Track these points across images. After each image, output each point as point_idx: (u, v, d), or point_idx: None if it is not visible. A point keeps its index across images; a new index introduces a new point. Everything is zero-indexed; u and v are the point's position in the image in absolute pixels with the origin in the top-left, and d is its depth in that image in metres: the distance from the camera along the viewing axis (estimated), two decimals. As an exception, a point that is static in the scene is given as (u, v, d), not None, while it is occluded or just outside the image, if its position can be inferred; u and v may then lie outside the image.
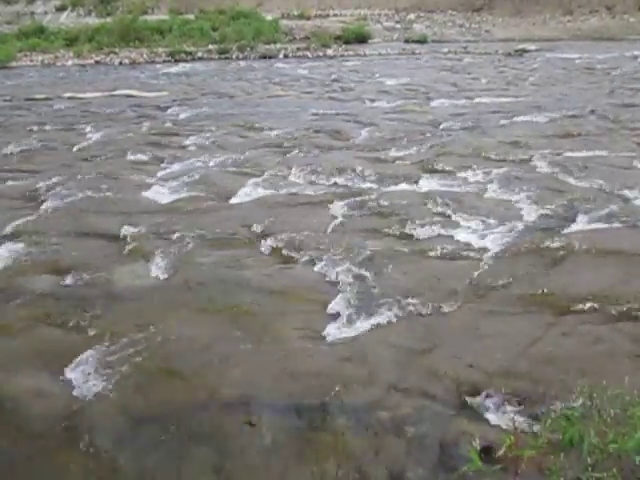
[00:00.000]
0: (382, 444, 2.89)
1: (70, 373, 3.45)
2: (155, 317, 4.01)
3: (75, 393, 3.29)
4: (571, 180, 6.75)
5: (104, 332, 3.85)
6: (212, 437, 2.98)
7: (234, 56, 22.19)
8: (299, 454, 2.88)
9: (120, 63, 20.88)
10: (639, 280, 4.37)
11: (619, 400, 2.29)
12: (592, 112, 10.60)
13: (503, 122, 10.01)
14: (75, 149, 8.94)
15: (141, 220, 5.76)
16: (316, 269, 4.68)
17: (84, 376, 3.41)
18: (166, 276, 4.66)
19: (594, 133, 9.07)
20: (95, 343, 3.71)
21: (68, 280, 4.60)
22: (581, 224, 5.46)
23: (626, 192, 6.22)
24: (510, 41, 24.79)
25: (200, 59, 21.78)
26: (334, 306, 4.07)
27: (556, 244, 4.98)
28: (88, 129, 10.20)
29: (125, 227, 5.57)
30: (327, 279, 4.50)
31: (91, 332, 3.88)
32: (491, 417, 3.02)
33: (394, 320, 3.91)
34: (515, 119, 10.20)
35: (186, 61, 21.29)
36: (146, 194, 6.66)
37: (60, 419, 3.12)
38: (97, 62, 21.07)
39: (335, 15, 36.14)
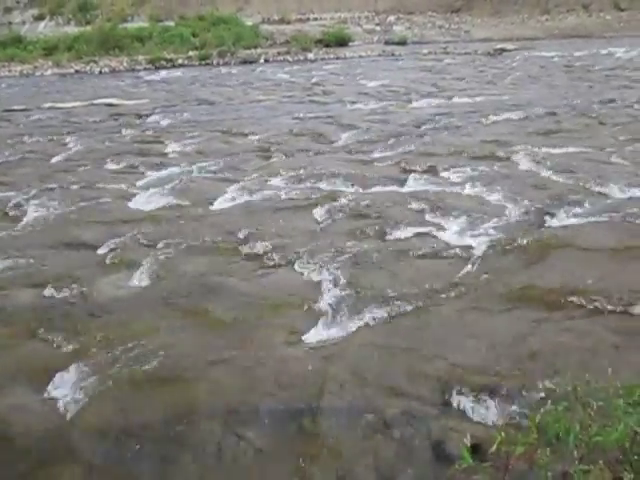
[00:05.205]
0: (371, 446, 2.88)
1: (54, 388, 3.39)
2: (139, 327, 3.96)
3: (60, 408, 3.24)
4: (552, 176, 6.81)
5: (87, 344, 3.79)
6: (200, 446, 2.95)
7: (215, 62, 22.19)
8: (288, 459, 2.86)
9: (100, 72, 20.77)
10: (620, 274, 4.41)
11: (603, 393, 2.30)
12: (571, 109, 10.73)
13: (483, 121, 10.10)
14: (55, 160, 8.86)
15: (123, 229, 5.71)
16: (300, 273, 4.66)
17: (68, 390, 3.36)
18: (149, 285, 4.61)
19: (573, 129, 9.18)
20: (79, 356, 3.65)
21: (49, 293, 4.53)
22: (563, 220, 5.51)
23: (606, 187, 6.29)
24: (489, 41, 25.07)
25: (181, 66, 21.75)
26: (319, 309, 4.06)
27: (539, 240, 5.01)
28: (68, 139, 10.12)
29: (107, 237, 5.51)
30: (311, 282, 4.48)
31: (74, 345, 3.82)
32: (478, 414, 3.02)
33: (379, 321, 3.91)
34: (495, 117, 10.30)
35: (167, 68, 21.25)
36: (128, 203, 6.61)
37: (45, 435, 3.07)
38: (77, 71, 20.94)
39: (315, 19, 36.28)
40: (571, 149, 7.97)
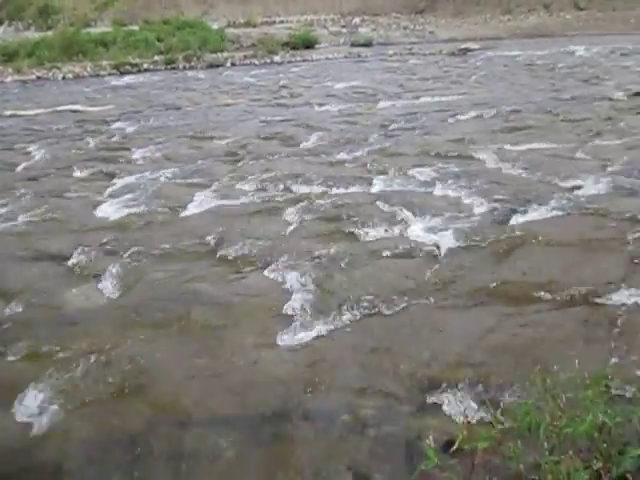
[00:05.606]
0: (346, 448, 2.88)
1: (22, 404, 3.29)
2: (109, 338, 3.89)
3: (29, 425, 3.14)
4: (517, 173, 6.94)
5: (56, 358, 3.70)
6: (175, 456, 2.91)
7: (181, 66, 22.00)
8: (263, 465, 2.85)
9: (63, 78, 20.37)
10: (586, 266, 4.52)
11: (571, 384, 2.34)
12: (535, 106, 10.94)
13: (449, 120, 10.23)
14: (18, 169, 8.65)
15: (90, 239, 5.60)
16: (272, 277, 4.64)
17: (38, 406, 3.26)
18: (118, 295, 4.52)
19: (537, 127, 9.36)
20: (47, 370, 3.55)
21: (15, 306, 4.41)
22: (529, 215, 5.61)
23: (570, 182, 6.43)
24: (453, 41, 25.41)
25: (146, 71, 21.49)
26: (291, 312, 4.05)
27: (506, 236, 5.10)
28: (31, 147, 9.89)
29: (74, 247, 5.40)
30: (283, 286, 4.47)
31: (42, 359, 3.72)
32: (452, 411, 3.05)
33: (351, 322, 3.92)
34: (460, 116, 10.44)
35: (132, 73, 20.96)
36: (95, 211, 6.48)
37: (15, 454, 2.98)
38: (39, 77, 20.49)
39: (281, 22, 36.27)
40: (536, 146, 8.13)
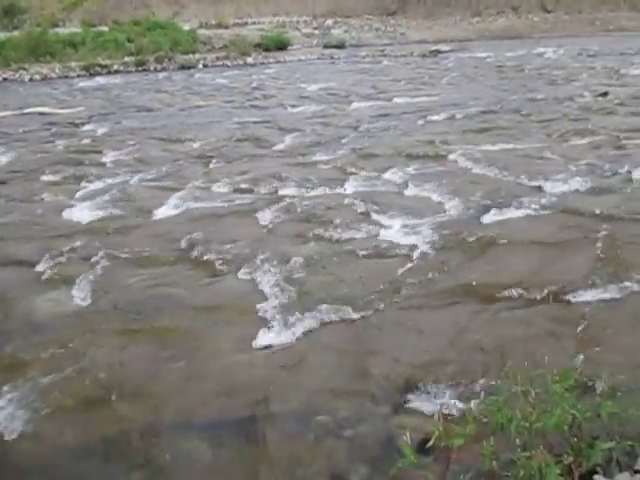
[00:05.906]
0: (323, 449, 2.89)
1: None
2: (81, 345, 3.82)
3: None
4: (488, 173, 7.04)
5: (25, 365, 3.62)
6: (150, 461, 2.88)
7: (152, 68, 21.80)
8: (240, 467, 2.84)
9: (30, 79, 20.01)
10: (555, 264, 4.61)
11: (541, 379, 2.39)
12: (505, 107, 11.12)
13: (421, 121, 10.34)
14: (-16, 173, 8.46)
15: (60, 243, 5.49)
16: (246, 279, 4.62)
17: (7, 415, 3.19)
18: (90, 301, 4.44)
19: (507, 127, 9.52)
20: (16, 378, 3.48)
21: (-18, 313, 4.32)
22: (500, 215, 5.69)
23: (539, 181, 6.55)
24: (424, 43, 25.70)
25: (117, 72, 21.23)
26: (266, 315, 4.03)
27: (477, 236, 5.17)
28: (-2, 150, 9.69)
29: (43, 252, 5.29)
30: (257, 288, 4.45)
31: (11, 366, 3.64)
32: (427, 409, 3.08)
33: (326, 323, 3.92)
34: (432, 117, 10.56)
35: (102, 75, 20.68)
36: (65, 215, 6.37)
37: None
38: (4, 79, 20.09)
39: (253, 23, 36.19)
40: (506, 146, 8.27)
